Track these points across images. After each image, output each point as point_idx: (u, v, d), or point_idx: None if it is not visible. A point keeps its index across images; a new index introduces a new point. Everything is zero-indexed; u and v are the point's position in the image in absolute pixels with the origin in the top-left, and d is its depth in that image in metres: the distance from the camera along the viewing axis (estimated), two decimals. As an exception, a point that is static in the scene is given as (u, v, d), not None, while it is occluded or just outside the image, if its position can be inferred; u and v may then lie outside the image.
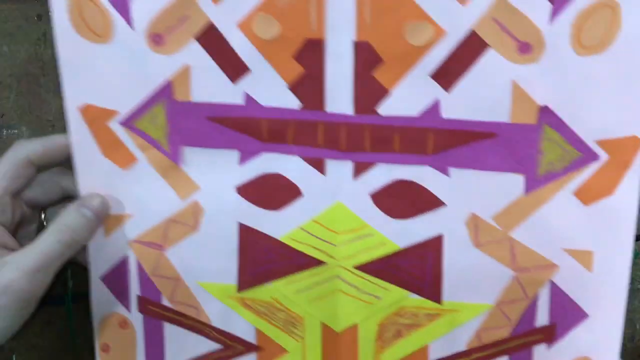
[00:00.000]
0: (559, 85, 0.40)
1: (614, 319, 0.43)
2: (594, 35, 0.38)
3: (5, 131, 0.50)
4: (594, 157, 0.40)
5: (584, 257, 0.42)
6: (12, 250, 0.44)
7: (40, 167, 0.45)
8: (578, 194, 0.41)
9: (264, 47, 0.42)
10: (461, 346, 0.46)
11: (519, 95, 0.40)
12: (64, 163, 0.46)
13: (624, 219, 0.41)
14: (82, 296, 0.52)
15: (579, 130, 0.40)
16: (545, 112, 0.40)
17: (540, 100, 0.40)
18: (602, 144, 0.40)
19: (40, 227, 0.49)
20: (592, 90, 0.39)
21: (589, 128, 0.40)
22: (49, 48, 0.48)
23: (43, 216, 0.49)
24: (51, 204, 0.48)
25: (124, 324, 0.50)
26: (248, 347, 0.49)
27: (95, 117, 0.45)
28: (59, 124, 0.46)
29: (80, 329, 0.53)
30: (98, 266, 0.48)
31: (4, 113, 0.49)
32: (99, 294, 0.49)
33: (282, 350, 0.48)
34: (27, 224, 0.48)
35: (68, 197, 0.47)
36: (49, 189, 0.46)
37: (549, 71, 0.39)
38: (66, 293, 0.52)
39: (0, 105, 0.49)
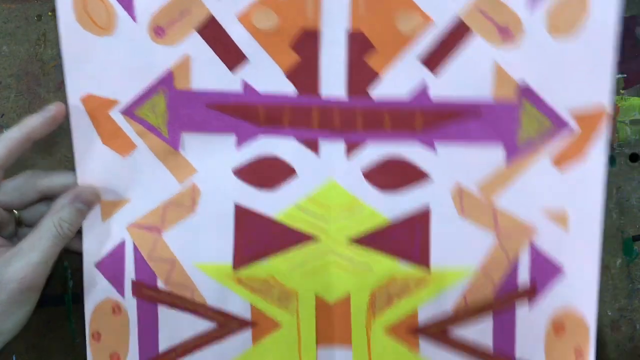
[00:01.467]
0: (536, 65, 0.44)
1: (590, 272, 0.47)
2: (566, 20, 0.43)
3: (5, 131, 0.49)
4: (566, 127, 0.45)
5: (560, 218, 0.47)
6: (1, 247, 0.45)
7: (7, 167, 0.45)
8: (554, 162, 0.46)
9: (262, 37, 0.44)
10: (448, 308, 0.49)
11: (500, 74, 0.44)
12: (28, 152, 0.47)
13: (594, 182, 0.46)
14: (82, 296, 0.52)
15: (554, 104, 0.44)
16: (524, 89, 0.44)
17: (519, 79, 0.44)
18: (575, 117, 0.45)
19: (18, 223, 0.50)
20: (565, 69, 0.44)
21: (563, 102, 0.44)
22: (49, 48, 0.48)
23: (17, 212, 0.49)
24: (27, 206, 0.48)
25: (117, 309, 0.50)
26: (242, 324, 0.50)
27: (97, 106, 0.46)
28: (58, 124, 0.47)
29: (80, 329, 0.52)
30: (93, 253, 0.49)
31: (4, 113, 0.49)
32: (92, 281, 0.50)
33: (277, 325, 0.50)
34: (5, 224, 0.48)
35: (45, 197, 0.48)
36: (24, 194, 0.47)
37: (527, 53, 0.43)
38: (66, 293, 0.52)
39: (0, 105, 0.49)
